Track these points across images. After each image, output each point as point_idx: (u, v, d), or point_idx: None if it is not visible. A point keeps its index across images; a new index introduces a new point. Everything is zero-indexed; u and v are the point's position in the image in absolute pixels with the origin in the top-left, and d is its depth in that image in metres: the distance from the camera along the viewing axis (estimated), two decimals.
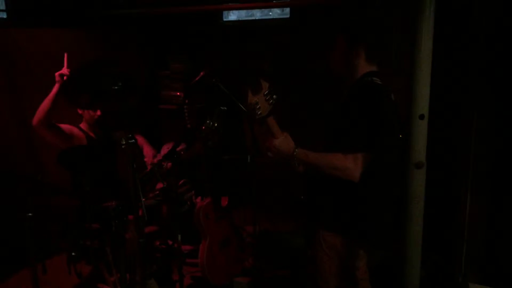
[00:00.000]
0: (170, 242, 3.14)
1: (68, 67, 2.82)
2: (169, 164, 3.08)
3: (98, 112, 3.10)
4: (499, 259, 2.77)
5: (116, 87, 2.24)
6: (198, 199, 3.47)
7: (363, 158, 1.81)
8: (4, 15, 3.67)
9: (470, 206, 2.73)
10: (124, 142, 2.22)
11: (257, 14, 4.40)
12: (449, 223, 2.89)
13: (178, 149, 3.01)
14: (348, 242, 2.00)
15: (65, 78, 2.78)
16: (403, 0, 2.82)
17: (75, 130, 3.08)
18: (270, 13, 4.31)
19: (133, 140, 2.25)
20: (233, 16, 4.53)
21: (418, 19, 1.31)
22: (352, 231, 1.98)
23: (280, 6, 4.08)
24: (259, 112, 1.87)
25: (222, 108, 2.93)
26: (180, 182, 3.37)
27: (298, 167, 1.96)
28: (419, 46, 1.31)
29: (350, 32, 1.96)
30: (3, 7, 3.65)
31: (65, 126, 3.01)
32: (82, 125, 3.17)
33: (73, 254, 2.64)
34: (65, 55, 2.83)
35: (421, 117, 1.36)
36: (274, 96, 1.86)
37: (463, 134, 2.62)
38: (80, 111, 3.13)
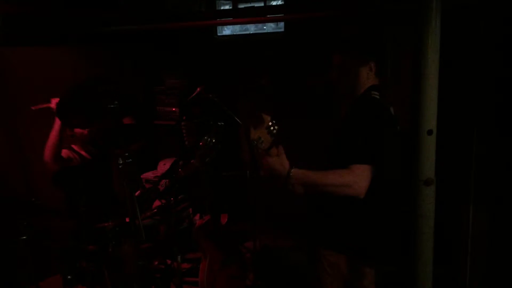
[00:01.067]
0: (169, 262, 3.07)
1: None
2: (167, 181, 3.02)
3: (85, 132, 3.01)
4: (503, 271, 2.73)
5: (112, 106, 2.20)
6: (197, 217, 3.41)
7: (367, 171, 1.75)
8: None
9: (473, 218, 2.71)
10: (121, 162, 2.17)
11: (251, 29, 4.40)
12: (452, 235, 2.86)
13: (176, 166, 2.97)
14: (351, 260, 1.95)
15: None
16: (399, 10, 2.85)
17: (70, 153, 3.01)
18: (265, 27, 4.32)
19: (130, 160, 2.21)
20: (227, 30, 4.53)
21: (424, 31, 1.27)
22: (353, 249, 1.93)
23: (275, 20, 4.08)
24: (262, 146, 1.74)
25: (219, 123, 2.90)
26: (178, 199, 3.31)
27: (293, 188, 1.79)
28: (425, 60, 1.28)
29: (361, 49, 1.95)
30: None
31: (64, 153, 2.94)
32: (74, 146, 3.09)
33: (68, 277, 2.57)
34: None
35: (430, 132, 1.32)
36: (276, 127, 1.78)
37: (465, 146, 2.60)
38: (70, 132, 3.00)
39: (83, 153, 3.09)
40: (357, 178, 1.74)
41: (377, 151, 1.77)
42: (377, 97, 1.89)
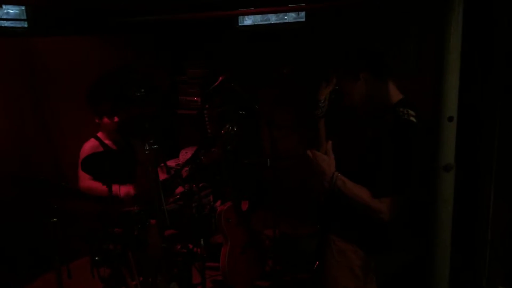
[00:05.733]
0: (191, 246, 3.15)
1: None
2: (189, 168, 3.09)
3: (116, 119, 3.10)
4: None
5: (139, 94, 2.27)
6: (218, 203, 3.48)
7: (398, 202, 1.80)
8: (25, 24, 3.74)
9: (494, 206, 2.68)
10: (147, 148, 2.25)
11: (272, 18, 4.41)
12: (471, 223, 2.84)
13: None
14: (359, 251, 1.97)
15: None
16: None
17: (95, 145, 3.11)
18: (286, 17, 4.32)
19: (156, 146, 2.28)
20: (248, 20, 4.55)
21: (447, 19, 1.29)
22: (363, 238, 1.96)
23: (296, 10, 4.09)
24: (321, 110, 1.86)
25: (240, 112, 2.95)
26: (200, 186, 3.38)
27: (331, 188, 1.90)
28: (448, 48, 1.29)
29: (345, 68, 1.95)
30: (24, 16, 3.72)
31: (91, 145, 3.05)
32: (100, 134, 3.19)
33: (96, 258, 2.68)
34: None
35: (450, 119, 1.34)
36: (333, 96, 1.87)
37: (486, 132, 2.58)
38: (97, 120, 3.13)
39: (108, 142, 3.18)
40: (387, 209, 1.81)
41: (410, 182, 1.79)
42: (414, 120, 1.81)
